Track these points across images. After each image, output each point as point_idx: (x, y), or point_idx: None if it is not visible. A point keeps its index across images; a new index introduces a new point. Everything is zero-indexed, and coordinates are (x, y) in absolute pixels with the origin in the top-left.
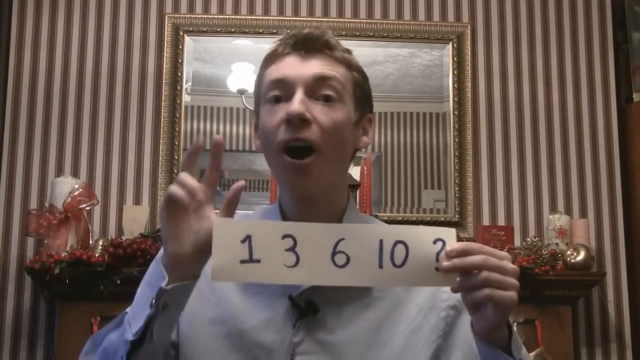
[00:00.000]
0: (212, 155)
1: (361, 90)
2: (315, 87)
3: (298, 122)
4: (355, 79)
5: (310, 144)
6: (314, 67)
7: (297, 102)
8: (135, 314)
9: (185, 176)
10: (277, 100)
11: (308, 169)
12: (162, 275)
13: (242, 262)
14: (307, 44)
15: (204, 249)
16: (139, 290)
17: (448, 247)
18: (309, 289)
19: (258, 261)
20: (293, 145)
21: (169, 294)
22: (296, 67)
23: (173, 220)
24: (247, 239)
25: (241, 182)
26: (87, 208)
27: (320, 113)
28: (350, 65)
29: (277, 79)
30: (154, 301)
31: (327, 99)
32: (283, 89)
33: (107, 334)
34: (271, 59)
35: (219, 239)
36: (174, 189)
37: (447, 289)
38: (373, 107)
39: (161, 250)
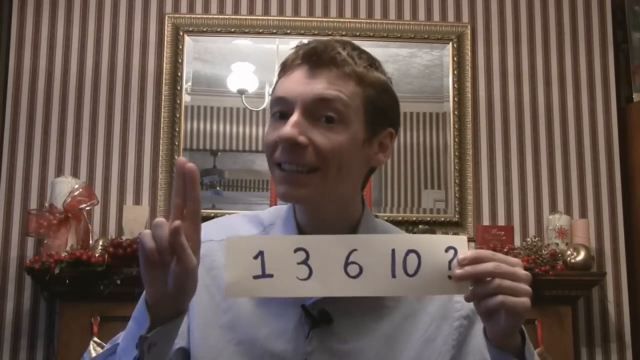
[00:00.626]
0: (189, 187)
1: (375, 107)
2: (315, 109)
3: (288, 146)
4: (367, 95)
5: (304, 169)
6: (317, 86)
7: (289, 126)
8: (125, 349)
9: (159, 227)
10: (281, 116)
11: (303, 183)
12: (145, 318)
13: (255, 277)
14: (312, 59)
15: (186, 288)
16: (130, 322)
17: (460, 255)
18: (322, 299)
19: (271, 276)
20: (286, 168)
21: (153, 336)
22: (298, 85)
23: (150, 266)
24: (260, 254)
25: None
26: (87, 208)
27: (318, 135)
28: (362, 81)
29: (280, 97)
30: (137, 344)
31: (328, 120)
32: (285, 107)
33: (104, 358)
34: (283, 68)
35: (231, 256)
36: (146, 242)
37: (460, 298)
38: (398, 121)
39: None
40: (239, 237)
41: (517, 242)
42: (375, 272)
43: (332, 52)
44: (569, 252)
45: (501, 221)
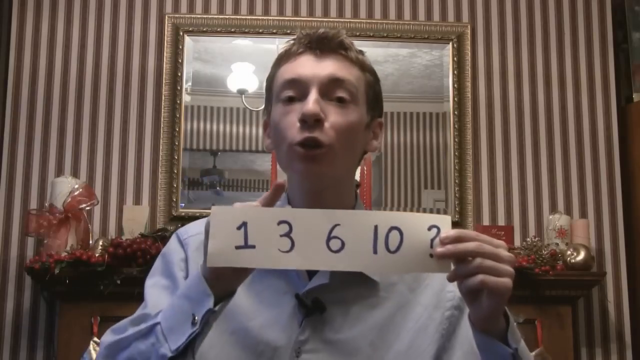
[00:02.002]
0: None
1: (373, 92)
2: (330, 89)
3: (312, 122)
4: (368, 80)
5: (322, 144)
6: (329, 67)
7: (312, 102)
8: (173, 328)
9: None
10: (291, 100)
11: (319, 158)
12: (207, 293)
13: (237, 247)
14: (321, 44)
15: (251, 270)
16: (175, 301)
17: (442, 234)
18: (315, 288)
19: (253, 247)
20: (306, 143)
21: (218, 310)
22: (311, 67)
23: None
24: (243, 225)
25: (281, 181)
26: (87, 208)
27: (333, 113)
28: (364, 67)
29: (292, 79)
30: (196, 318)
31: (340, 101)
32: (297, 89)
33: (133, 341)
34: (285, 57)
35: (215, 226)
36: None
37: (452, 288)
38: (383, 110)
39: (177, 252)
40: (224, 208)
41: (517, 242)
42: (356, 248)
43: (339, 37)
44: (569, 252)
45: (501, 221)
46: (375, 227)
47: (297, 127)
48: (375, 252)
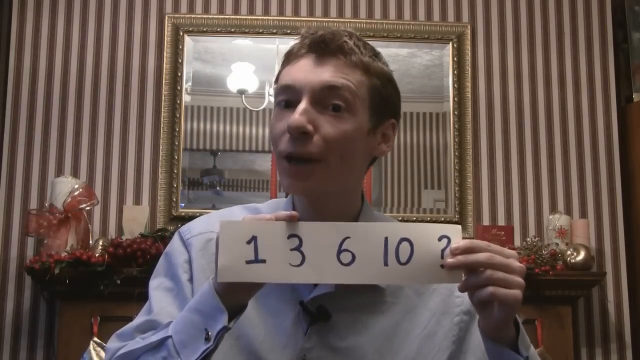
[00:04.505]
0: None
1: (380, 96)
2: (323, 96)
3: (298, 135)
4: (372, 84)
5: (310, 157)
6: (324, 74)
7: (298, 114)
8: (185, 343)
9: None
10: (287, 105)
11: (306, 175)
12: (220, 309)
13: (248, 262)
14: (320, 47)
15: (258, 285)
16: (185, 314)
17: (453, 244)
18: (320, 295)
19: (263, 261)
20: (293, 156)
21: (228, 329)
22: (306, 73)
23: None
24: (253, 239)
25: (294, 213)
26: (87, 208)
27: (325, 123)
28: (368, 70)
29: (286, 85)
30: (210, 333)
31: (335, 109)
32: (291, 95)
33: (143, 353)
34: (288, 58)
35: (225, 240)
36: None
37: (460, 293)
38: (399, 113)
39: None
40: (233, 222)
41: (517, 242)
42: (367, 260)
43: (340, 40)
44: (569, 252)
45: (501, 221)
46: (386, 239)
47: (286, 136)
48: (386, 264)
